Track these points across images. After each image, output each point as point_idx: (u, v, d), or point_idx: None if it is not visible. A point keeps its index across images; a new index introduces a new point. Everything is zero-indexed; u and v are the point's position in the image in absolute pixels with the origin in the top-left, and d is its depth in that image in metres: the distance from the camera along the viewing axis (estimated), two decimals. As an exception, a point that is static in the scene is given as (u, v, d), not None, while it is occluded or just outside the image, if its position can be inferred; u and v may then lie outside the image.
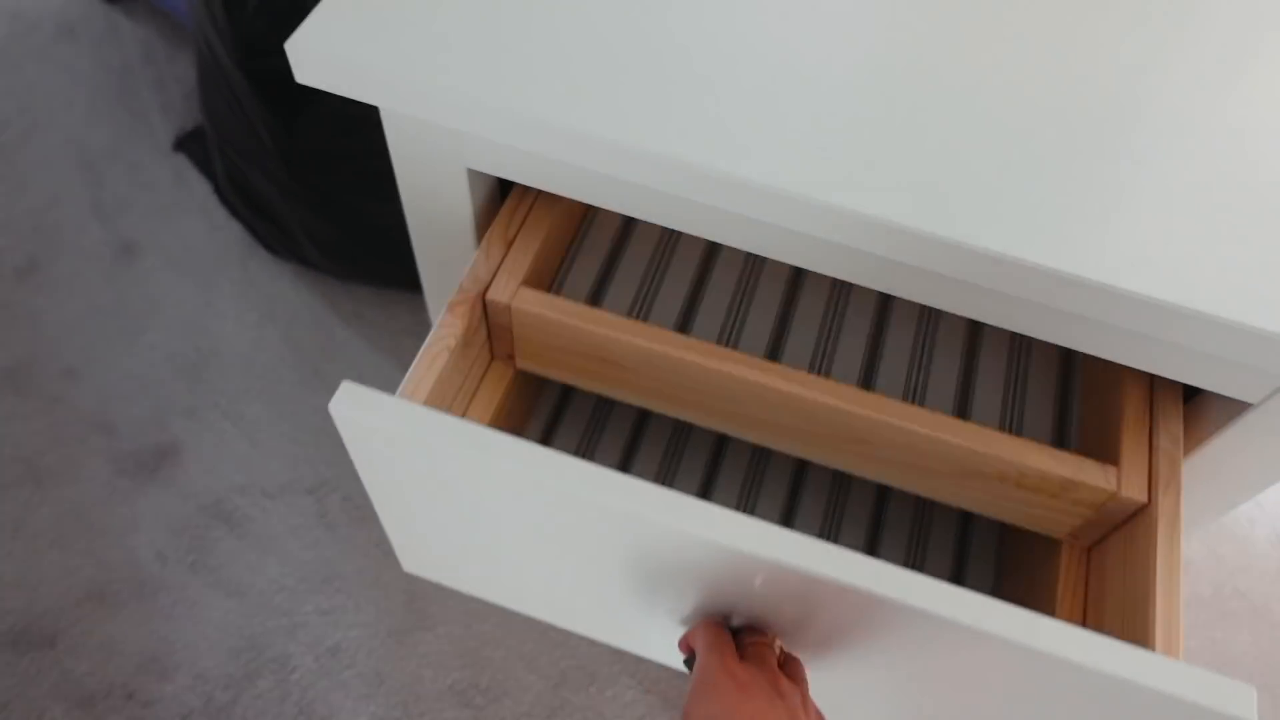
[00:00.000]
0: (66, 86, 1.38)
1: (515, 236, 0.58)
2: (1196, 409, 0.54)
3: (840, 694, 0.49)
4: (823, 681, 0.47)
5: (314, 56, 0.49)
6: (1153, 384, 0.54)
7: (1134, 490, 0.50)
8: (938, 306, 0.49)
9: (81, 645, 0.93)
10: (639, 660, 0.95)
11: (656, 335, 0.55)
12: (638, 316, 0.64)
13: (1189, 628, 1.04)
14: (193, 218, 1.24)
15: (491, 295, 0.56)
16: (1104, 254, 0.43)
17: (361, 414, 0.42)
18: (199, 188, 1.27)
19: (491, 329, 0.59)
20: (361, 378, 1.12)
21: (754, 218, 0.47)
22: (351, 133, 0.95)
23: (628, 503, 0.40)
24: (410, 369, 0.52)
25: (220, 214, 1.24)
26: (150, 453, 1.05)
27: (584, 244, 0.67)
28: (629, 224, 0.69)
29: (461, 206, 0.59)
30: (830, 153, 0.46)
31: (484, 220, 0.61)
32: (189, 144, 1.29)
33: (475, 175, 0.57)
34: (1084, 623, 0.54)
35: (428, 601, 0.97)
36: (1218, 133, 0.48)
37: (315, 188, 1.02)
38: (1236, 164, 0.47)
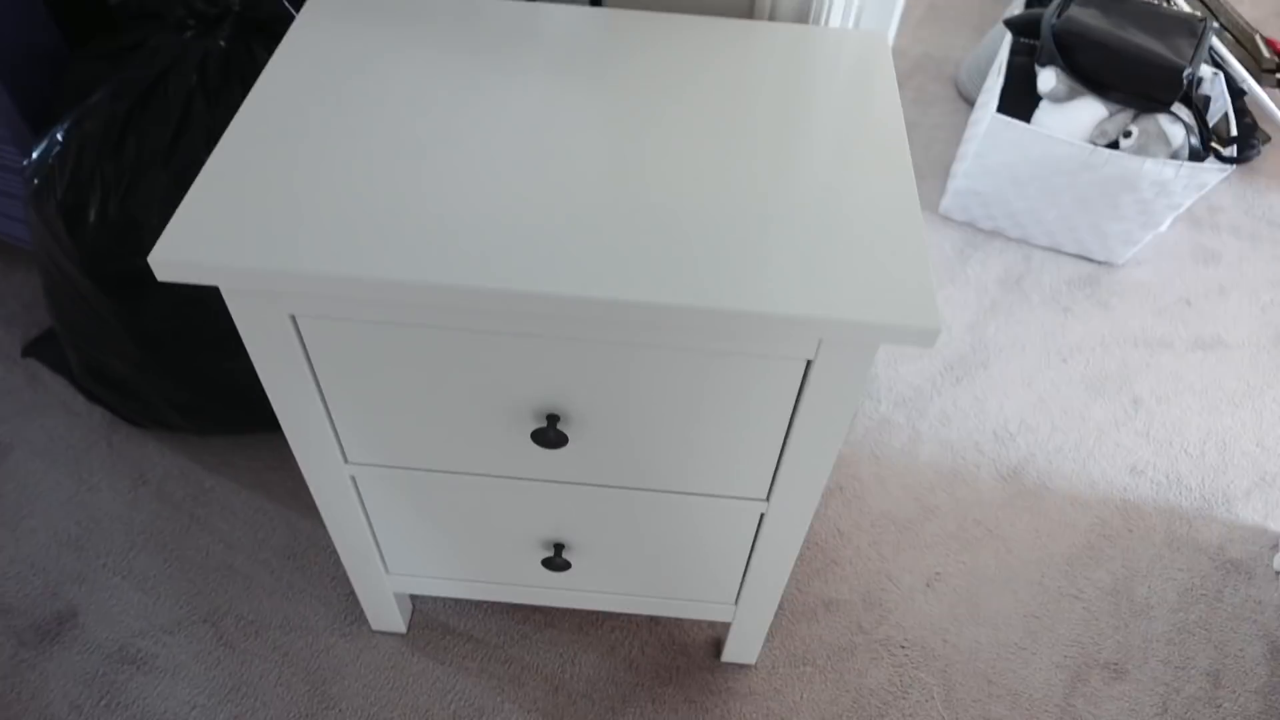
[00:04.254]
0: (-95, 319, 1.49)
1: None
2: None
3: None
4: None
5: (171, 264, 0.71)
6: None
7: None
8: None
9: (13, 803, 1.03)
10: None
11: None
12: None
13: (942, 556, 1.33)
14: (54, 411, 1.38)
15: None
16: (699, 286, 0.71)
17: None
18: (54, 385, 1.41)
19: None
20: (234, 516, 1.29)
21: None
22: (195, 303, 1.15)
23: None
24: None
25: (79, 402, 1.39)
26: (49, 620, 1.17)
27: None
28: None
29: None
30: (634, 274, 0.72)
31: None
32: (39, 348, 1.43)
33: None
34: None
35: (328, 685, 1.13)
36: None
37: (169, 359, 1.21)
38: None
